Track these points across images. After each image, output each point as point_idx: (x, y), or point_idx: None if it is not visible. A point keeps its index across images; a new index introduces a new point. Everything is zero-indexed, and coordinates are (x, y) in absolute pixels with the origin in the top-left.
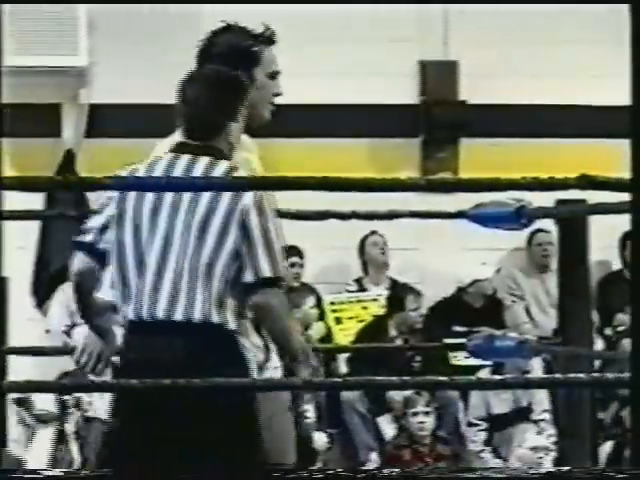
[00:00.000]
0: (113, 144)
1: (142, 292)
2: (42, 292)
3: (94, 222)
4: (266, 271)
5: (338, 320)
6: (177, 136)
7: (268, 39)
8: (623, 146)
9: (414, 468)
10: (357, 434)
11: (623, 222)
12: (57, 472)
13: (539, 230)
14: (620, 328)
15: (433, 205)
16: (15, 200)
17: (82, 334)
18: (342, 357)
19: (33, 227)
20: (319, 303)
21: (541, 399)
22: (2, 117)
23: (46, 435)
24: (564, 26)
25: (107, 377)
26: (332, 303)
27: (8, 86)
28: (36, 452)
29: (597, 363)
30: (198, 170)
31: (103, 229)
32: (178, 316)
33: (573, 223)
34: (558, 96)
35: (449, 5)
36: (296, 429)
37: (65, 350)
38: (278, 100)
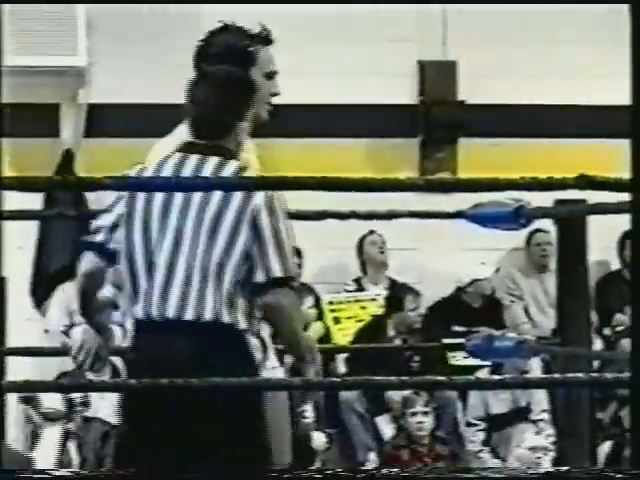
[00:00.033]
0: (112, 144)
1: (152, 291)
2: (41, 292)
3: (103, 221)
4: (277, 271)
5: (337, 320)
6: (175, 135)
7: (265, 39)
8: (623, 146)
9: (413, 468)
10: (356, 434)
11: (622, 222)
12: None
13: (538, 230)
14: (619, 328)
15: (432, 205)
16: (14, 200)
17: (80, 332)
18: (341, 357)
19: (32, 227)
20: (317, 303)
21: (540, 399)
22: (2, 117)
23: (53, 433)
24: (564, 26)
25: (105, 375)
26: (331, 303)
27: (7, 86)
28: (43, 450)
29: (596, 363)
30: (208, 170)
31: (113, 228)
32: (189, 316)
33: (572, 223)
34: (558, 96)
35: (448, 5)
36: (295, 429)
37: (64, 350)
38: (277, 100)
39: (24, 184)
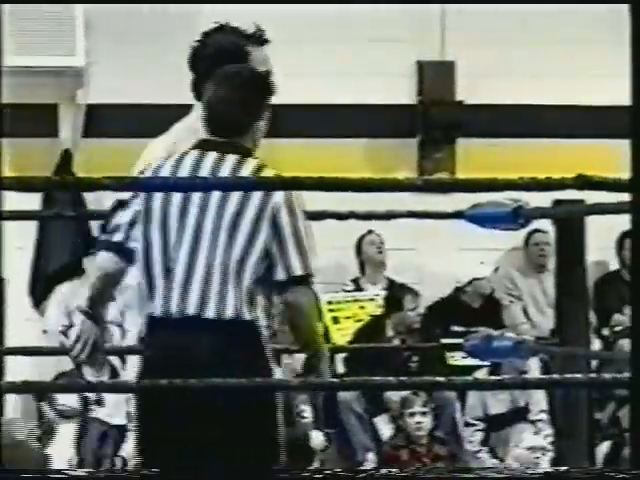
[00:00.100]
0: (111, 144)
1: (171, 289)
2: (39, 292)
3: (120, 219)
4: (297, 269)
5: (335, 320)
6: (172, 133)
7: (259, 39)
8: (623, 146)
9: (411, 468)
10: (354, 434)
11: (621, 222)
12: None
13: (536, 230)
14: (617, 328)
15: (430, 205)
16: (12, 200)
17: (78, 323)
18: (339, 357)
19: (32, 228)
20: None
21: (538, 399)
22: (2, 117)
23: (68, 430)
24: (564, 26)
25: (104, 375)
26: (329, 302)
27: (6, 86)
28: (58, 447)
29: (594, 363)
30: (226, 168)
31: (131, 226)
32: (209, 313)
33: (570, 223)
34: (557, 96)
35: (446, 5)
36: (293, 429)
37: (62, 350)
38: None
39: (22, 184)
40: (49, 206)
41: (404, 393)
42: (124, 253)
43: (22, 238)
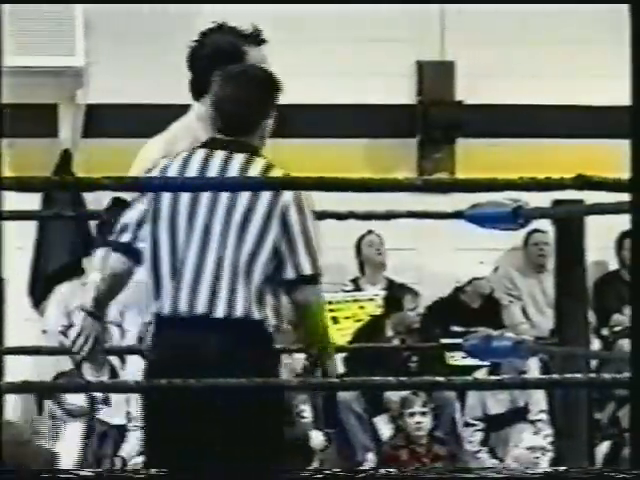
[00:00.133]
0: (110, 144)
1: (179, 288)
2: (39, 292)
3: (128, 219)
4: (307, 269)
5: (335, 320)
6: (171, 131)
7: (256, 39)
8: (623, 146)
9: (411, 468)
10: (354, 434)
11: (620, 222)
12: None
13: (535, 230)
14: (617, 328)
15: (430, 205)
16: (12, 200)
17: (80, 319)
18: (339, 357)
19: (31, 228)
20: None
21: (538, 399)
22: (2, 118)
23: (75, 429)
24: (564, 26)
25: (104, 375)
26: (329, 302)
27: (6, 86)
28: (66, 445)
29: (594, 363)
30: (234, 167)
31: (139, 226)
32: (219, 312)
33: (570, 223)
34: (557, 96)
35: (446, 5)
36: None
37: (62, 350)
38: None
39: (22, 184)
40: (49, 206)
41: (404, 393)
42: (132, 253)
43: (22, 238)
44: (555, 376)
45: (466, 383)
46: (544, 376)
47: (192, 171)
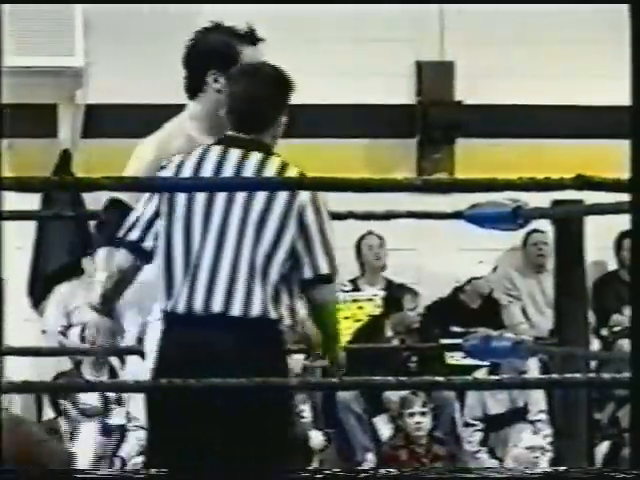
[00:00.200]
0: (109, 144)
1: (195, 287)
2: (38, 292)
3: (137, 217)
4: (324, 268)
5: None
6: (167, 129)
7: (252, 39)
8: (623, 146)
9: (411, 468)
10: (353, 434)
11: (619, 223)
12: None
13: (535, 230)
14: (616, 328)
15: (429, 205)
16: (12, 200)
17: (77, 334)
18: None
19: (31, 228)
20: None
21: (537, 399)
22: (2, 118)
23: (90, 429)
24: (564, 26)
25: (103, 375)
26: None
27: (5, 86)
28: (81, 445)
29: (593, 363)
30: (250, 166)
31: (149, 225)
32: (235, 311)
33: (569, 224)
34: (557, 96)
35: (445, 5)
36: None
37: (61, 350)
38: None
39: (21, 184)
40: (48, 206)
41: (403, 393)
42: (139, 252)
43: (21, 238)
44: (555, 376)
45: (466, 383)
46: (544, 376)
47: (207, 170)
